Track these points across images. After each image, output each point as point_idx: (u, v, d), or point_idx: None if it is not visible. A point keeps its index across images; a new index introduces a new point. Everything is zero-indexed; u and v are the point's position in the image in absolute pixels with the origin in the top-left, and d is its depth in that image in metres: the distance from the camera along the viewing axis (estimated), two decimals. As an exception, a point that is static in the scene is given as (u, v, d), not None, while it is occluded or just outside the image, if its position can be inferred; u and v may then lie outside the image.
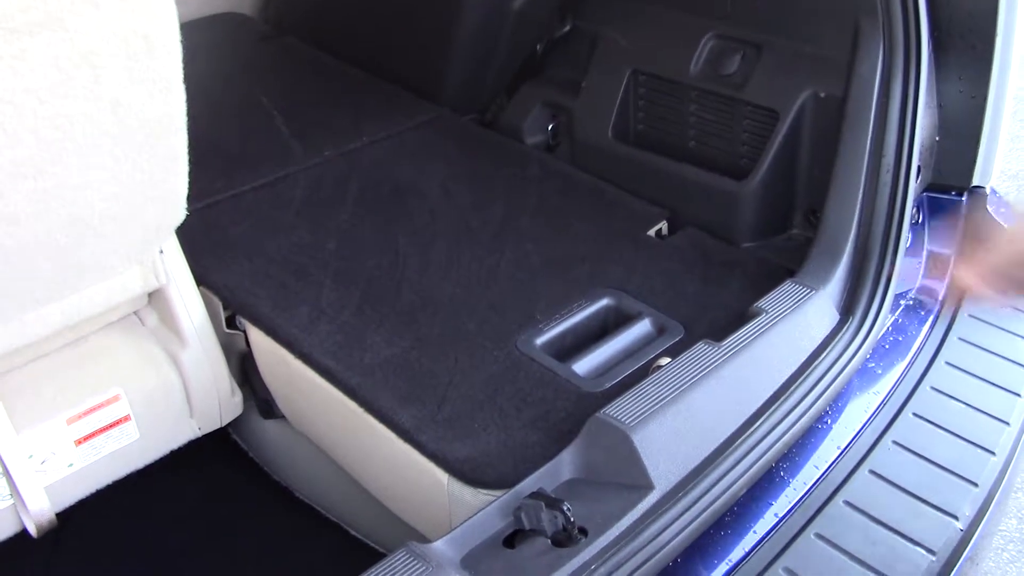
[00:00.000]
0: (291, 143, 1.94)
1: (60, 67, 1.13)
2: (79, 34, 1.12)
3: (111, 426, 1.42)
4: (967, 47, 1.59)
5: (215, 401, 1.54)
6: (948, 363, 1.57)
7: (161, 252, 1.45)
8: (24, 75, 1.10)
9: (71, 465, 1.38)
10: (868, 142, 1.55)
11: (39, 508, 1.35)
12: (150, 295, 1.49)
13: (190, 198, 1.37)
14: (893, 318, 1.60)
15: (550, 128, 2.04)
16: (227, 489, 1.70)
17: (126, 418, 1.44)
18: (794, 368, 1.41)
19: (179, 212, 1.40)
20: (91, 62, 1.15)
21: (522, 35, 2.07)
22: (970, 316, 1.65)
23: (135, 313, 1.51)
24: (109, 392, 1.41)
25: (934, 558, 1.22)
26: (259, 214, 1.73)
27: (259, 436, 1.69)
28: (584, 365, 1.43)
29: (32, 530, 1.35)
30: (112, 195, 1.30)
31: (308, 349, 1.44)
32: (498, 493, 1.19)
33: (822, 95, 1.67)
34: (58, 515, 1.38)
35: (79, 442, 1.39)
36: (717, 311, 1.54)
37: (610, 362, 1.44)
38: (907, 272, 1.66)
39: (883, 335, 1.57)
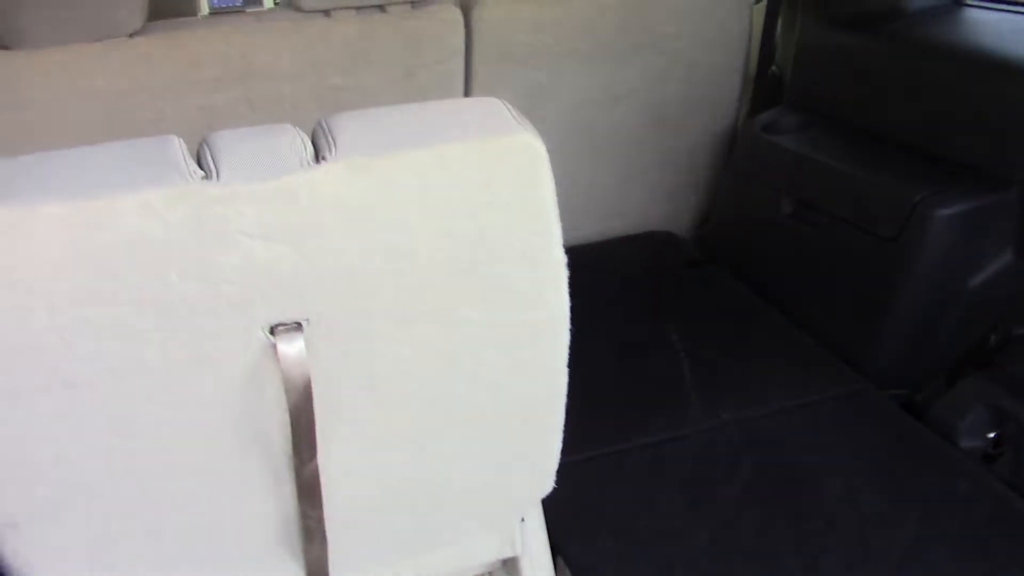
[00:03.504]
0: (690, 397, 1.83)
1: (445, 352, 1.11)
2: (466, 323, 1.10)
3: None
4: None
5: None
6: None
7: (522, 521, 1.38)
8: (403, 359, 1.09)
9: None
10: None
11: None
12: (505, 561, 1.43)
13: (564, 452, 1.30)
14: None
15: (993, 435, 1.73)
16: None
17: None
18: None
19: (546, 484, 1.34)
20: (474, 349, 1.13)
21: (973, 319, 1.81)
22: None
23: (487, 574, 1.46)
24: (445, 657, 1.36)
25: None
26: (635, 481, 1.62)
27: None
28: None
29: None
30: (479, 468, 1.26)
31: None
32: None
33: None
34: None
35: None
36: None
37: None
38: None
39: None
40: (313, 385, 1.05)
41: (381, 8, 2.07)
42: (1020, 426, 1.67)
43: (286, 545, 1.23)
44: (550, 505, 1.42)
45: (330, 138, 0.96)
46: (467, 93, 2.20)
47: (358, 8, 2.05)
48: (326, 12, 2.03)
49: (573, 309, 1.15)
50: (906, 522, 1.54)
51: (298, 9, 2.00)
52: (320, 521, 1.20)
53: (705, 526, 1.52)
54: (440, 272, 1.05)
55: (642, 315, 2.12)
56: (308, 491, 1.16)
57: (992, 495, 1.61)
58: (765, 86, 2.49)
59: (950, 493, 1.61)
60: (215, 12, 2.49)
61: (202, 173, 0.92)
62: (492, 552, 1.39)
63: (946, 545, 1.49)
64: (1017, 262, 1.81)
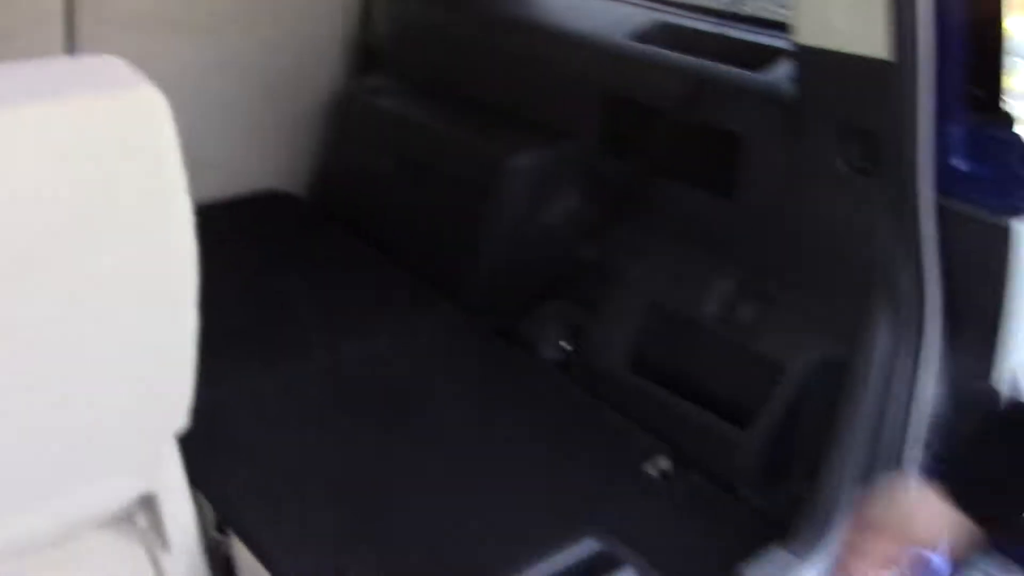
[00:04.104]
0: (311, 338, 1.99)
1: (77, 297, 1.18)
2: (96, 270, 1.18)
3: (87, 630, 1.42)
4: (977, 326, 1.60)
5: (194, 607, 1.54)
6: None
7: (157, 458, 1.47)
8: (32, 303, 1.14)
9: (42, 668, 1.38)
10: (870, 413, 1.55)
11: None
12: (143, 497, 1.51)
13: (198, 395, 1.41)
14: (886, 594, 1.56)
15: (565, 347, 2.06)
16: None
17: (103, 622, 1.44)
18: (771, 648, 1.39)
19: (179, 420, 1.43)
20: (104, 294, 1.20)
21: (547, 253, 2.14)
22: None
23: (128, 514, 1.53)
24: (89, 596, 1.42)
25: None
26: (265, 415, 1.76)
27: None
28: (561, 618, 1.41)
29: None
30: (114, 406, 1.33)
31: (287, 572, 1.44)
32: None
33: (828, 356, 1.68)
34: None
35: (54, 646, 1.39)
36: (703, 565, 1.52)
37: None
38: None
39: (873, 612, 1.53)
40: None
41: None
42: (585, 337, 2.02)
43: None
44: (187, 442, 1.52)
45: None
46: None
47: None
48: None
49: (200, 263, 1.26)
50: (499, 421, 1.82)
51: None
52: (-47, 474, 1.22)
53: (329, 448, 1.70)
54: (67, 222, 1.11)
55: (264, 267, 2.24)
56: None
57: (566, 395, 1.95)
58: (367, 53, 2.69)
59: (533, 396, 1.92)
60: None
61: None
62: (130, 490, 1.46)
63: (530, 436, 1.79)
64: (580, 203, 2.15)
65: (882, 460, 1.56)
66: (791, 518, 1.57)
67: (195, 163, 1.23)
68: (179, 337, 1.33)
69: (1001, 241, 1.49)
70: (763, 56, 1.90)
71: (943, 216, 1.58)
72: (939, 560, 1.32)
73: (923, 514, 1.36)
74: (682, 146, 1.98)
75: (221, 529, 1.57)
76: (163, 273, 1.26)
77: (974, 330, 1.59)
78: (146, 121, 1.16)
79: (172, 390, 1.38)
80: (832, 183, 1.70)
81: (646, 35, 2.09)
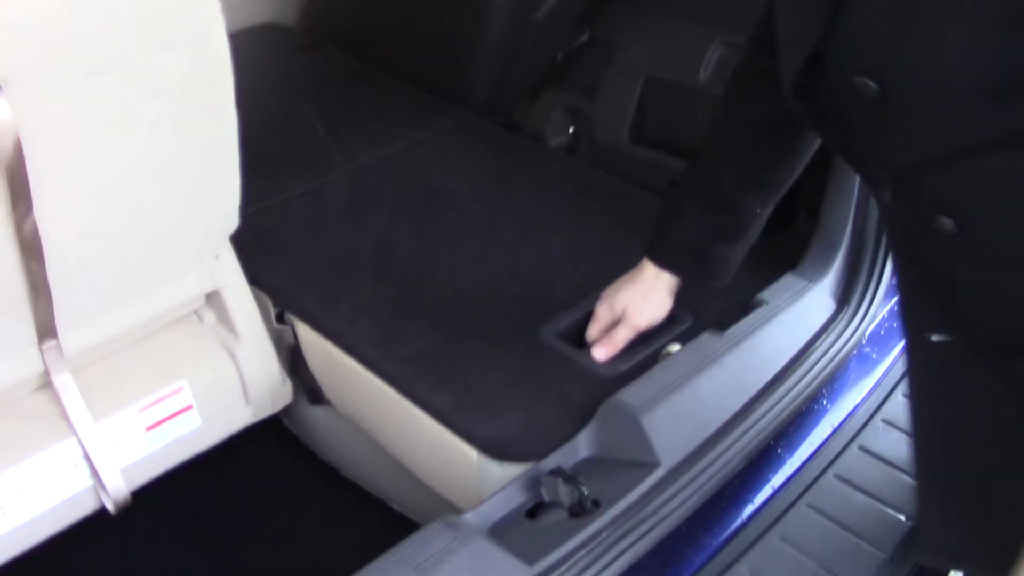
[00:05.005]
0: (331, 150, 2.09)
1: (127, 102, 1.28)
2: (143, 72, 1.27)
3: (176, 414, 1.58)
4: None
5: (267, 390, 1.70)
6: (939, 347, 1.69)
7: (217, 257, 1.60)
8: (96, 110, 1.25)
9: (142, 449, 1.55)
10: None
11: (115, 487, 1.51)
12: (208, 296, 1.65)
13: (242, 206, 1.53)
14: (888, 306, 1.72)
15: (571, 131, 2.17)
16: (279, 470, 1.87)
17: (189, 407, 1.60)
18: (792, 355, 1.55)
19: (233, 221, 1.56)
20: (155, 96, 1.30)
21: (543, 44, 2.21)
22: (961, 303, 1.77)
23: (195, 312, 1.67)
24: (174, 384, 1.57)
25: (911, 523, 1.36)
26: (304, 218, 1.88)
27: (307, 421, 1.85)
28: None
29: (110, 507, 1.52)
30: (174, 209, 1.46)
31: (350, 342, 1.59)
32: (522, 468, 1.35)
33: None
34: (131, 494, 1.54)
35: (149, 428, 1.55)
36: (724, 300, 1.65)
37: (624, 349, 1.57)
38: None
39: (878, 322, 1.69)
40: (21, 142, 1.19)
41: None
42: (589, 118, 2.12)
43: (12, 304, 1.36)
44: (240, 242, 1.65)
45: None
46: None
47: None
48: None
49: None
50: (519, 203, 1.94)
51: None
52: (43, 276, 1.35)
53: (367, 238, 1.82)
54: (114, 27, 1.21)
55: (275, 93, 2.32)
56: (30, 246, 1.30)
57: (578, 173, 2.07)
58: None
59: (547, 178, 2.04)
60: None
61: None
62: (196, 288, 1.60)
63: (550, 212, 1.92)
64: (568, -9, 2.22)
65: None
66: (800, 251, 1.72)
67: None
68: (223, 140, 1.43)
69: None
70: None
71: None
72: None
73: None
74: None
75: (280, 320, 1.72)
76: (203, 73, 1.35)
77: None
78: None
79: (223, 192, 1.50)
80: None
81: None
